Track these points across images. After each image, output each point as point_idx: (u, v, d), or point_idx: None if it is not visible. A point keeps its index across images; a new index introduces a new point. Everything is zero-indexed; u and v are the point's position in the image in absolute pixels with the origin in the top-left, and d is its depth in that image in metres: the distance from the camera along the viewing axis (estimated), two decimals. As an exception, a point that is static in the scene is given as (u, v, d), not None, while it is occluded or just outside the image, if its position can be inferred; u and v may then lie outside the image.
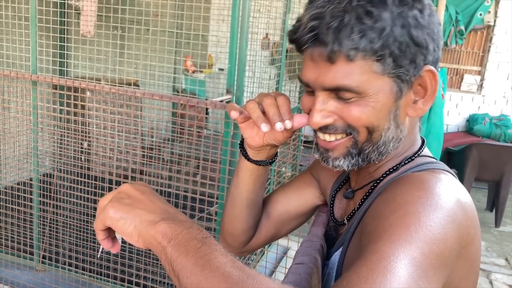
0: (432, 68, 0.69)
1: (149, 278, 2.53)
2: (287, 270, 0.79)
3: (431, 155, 0.78)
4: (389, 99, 0.68)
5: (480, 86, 5.61)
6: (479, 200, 5.00)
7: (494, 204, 4.36)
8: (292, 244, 3.06)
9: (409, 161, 0.75)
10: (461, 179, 4.27)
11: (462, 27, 5.34)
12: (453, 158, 4.59)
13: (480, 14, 5.35)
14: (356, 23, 0.63)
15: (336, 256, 0.78)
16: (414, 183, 0.62)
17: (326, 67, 0.66)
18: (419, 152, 0.76)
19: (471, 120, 5.42)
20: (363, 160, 0.73)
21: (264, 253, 2.85)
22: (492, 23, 5.41)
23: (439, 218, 0.56)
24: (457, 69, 5.71)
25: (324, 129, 0.72)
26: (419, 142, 0.78)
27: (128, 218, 0.60)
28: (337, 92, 0.68)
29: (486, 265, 3.52)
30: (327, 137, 0.73)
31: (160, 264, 2.53)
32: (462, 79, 5.69)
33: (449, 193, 0.61)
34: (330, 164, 0.74)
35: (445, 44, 5.42)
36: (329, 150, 0.74)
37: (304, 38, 0.66)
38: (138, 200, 0.63)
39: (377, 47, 0.64)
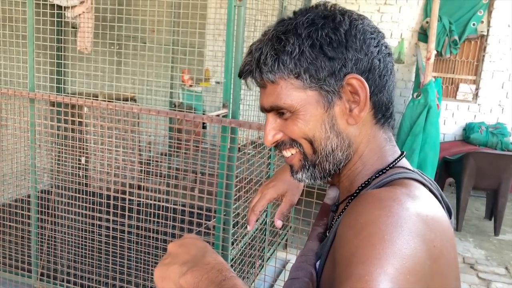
0: (357, 76, 0.72)
1: (148, 293, 2.51)
2: (285, 284, 0.80)
3: (408, 166, 0.78)
4: (317, 110, 0.74)
5: (476, 95, 5.65)
6: (477, 208, 5.00)
7: (493, 212, 4.37)
8: (291, 257, 3.05)
9: (380, 174, 0.76)
10: (459, 188, 4.28)
11: (456, 37, 5.39)
12: (451, 167, 4.60)
13: (473, 24, 5.42)
14: (269, 50, 0.73)
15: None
16: (372, 202, 0.62)
17: (262, 92, 0.78)
18: (391, 165, 0.76)
19: (468, 129, 5.45)
20: (321, 172, 0.78)
21: (263, 266, 2.84)
22: (485, 33, 5.47)
23: (403, 235, 0.56)
24: (452, 78, 5.76)
25: (279, 146, 0.80)
26: (393, 154, 0.78)
27: (166, 277, 0.66)
28: (276, 112, 0.77)
29: (487, 274, 3.51)
30: (285, 153, 0.81)
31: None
32: (457, 88, 5.74)
33: (408, 209, 0.60)
34: (295, 177, 0.81)
35: (440, 54, 5.47)
36: (292, 165, 0.81)
37: (241, 72, 0.79)
38: (175, 256, 0.68)
39: (291, 67, 0.72)
